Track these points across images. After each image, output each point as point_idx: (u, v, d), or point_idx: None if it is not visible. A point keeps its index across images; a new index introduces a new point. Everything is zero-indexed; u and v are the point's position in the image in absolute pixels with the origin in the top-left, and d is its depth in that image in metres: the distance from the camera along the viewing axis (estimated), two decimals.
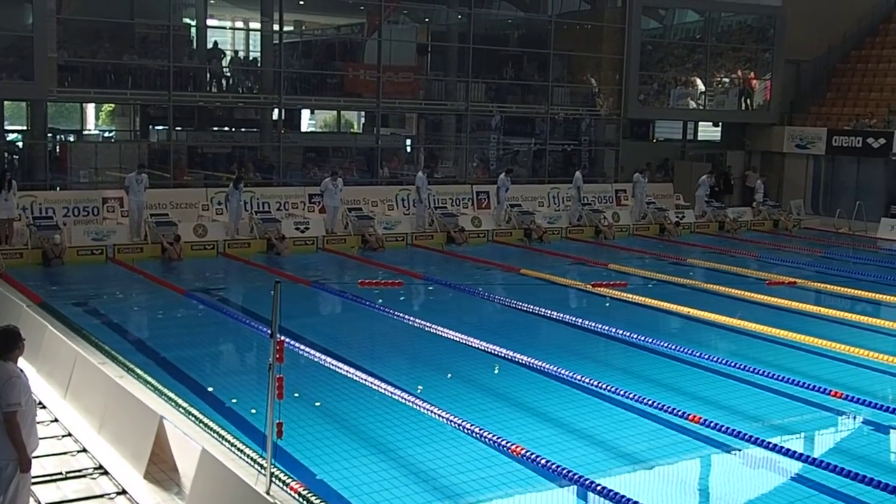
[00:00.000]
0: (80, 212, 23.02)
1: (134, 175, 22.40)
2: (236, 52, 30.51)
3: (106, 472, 9.37)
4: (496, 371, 13.45)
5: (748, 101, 34.69)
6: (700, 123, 37.04)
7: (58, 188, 24.48)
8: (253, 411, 11.11)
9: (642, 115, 34.11)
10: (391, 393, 11.51)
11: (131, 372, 11.79)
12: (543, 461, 9.49)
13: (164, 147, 26.75)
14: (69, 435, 10.30)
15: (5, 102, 27.08)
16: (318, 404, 11.72)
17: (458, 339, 14.32)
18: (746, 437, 10.46)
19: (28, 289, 17.14)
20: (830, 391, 12.22)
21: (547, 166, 31.37)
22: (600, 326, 15.63)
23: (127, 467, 9.42)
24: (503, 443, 9.93)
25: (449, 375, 13.36)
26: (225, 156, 28.70)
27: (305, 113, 35.63)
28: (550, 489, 9.59)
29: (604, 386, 12.12)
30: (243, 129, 31.97)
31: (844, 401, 12.06)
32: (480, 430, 10.24)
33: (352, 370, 12.47)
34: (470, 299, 18.55)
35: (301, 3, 30.87)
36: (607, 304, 18.34)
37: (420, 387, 12.28)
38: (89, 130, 33.98)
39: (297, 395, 11.26)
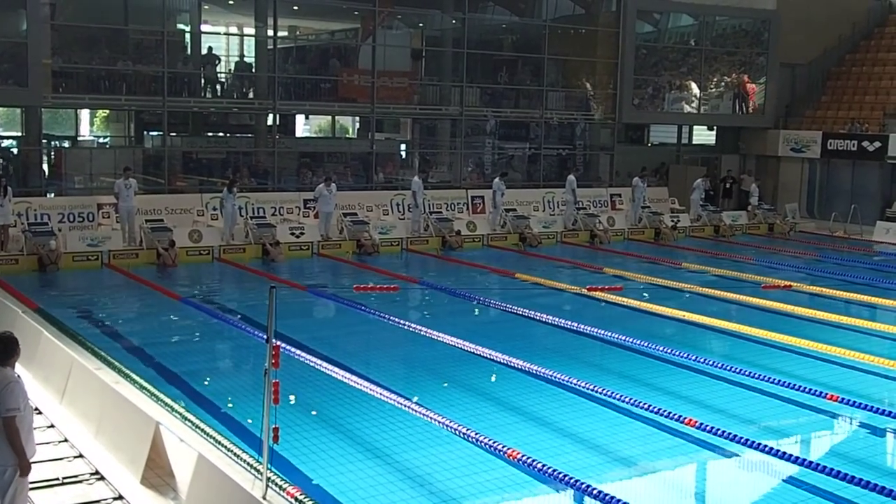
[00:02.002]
0: (76, 218, 23.00)
1: (122, 180, 22.34)
2: (241, 56, 30.50)
3: (102, 478, 9.36)
4: (490, 371, 13.47)
5: (743, 104, 34.75)
6: (695, 127, 37.09)
7: (53, 194, 24.49)
8: (249, 421, 11.12)
9: (637, 120, 34.17)
10: (387, 398, 11.50)
11: (127, 377, 11.77)
12: (539, 465, 9.50)
13: (159, 153, 26.76)
14: (66, 441, 10.28)
15: (0, 109, 27.09)
16: (314, 413, 11.72)
17: (453, 344, 14.31)
18: (742, 440, 10.46)
19: (24, 295, 17.10)
20: (826, 394, 12.24)
21: (542, 171, 31.42)
22: (596, 330, 15.64)
23: (124, 473, 9.41)
24: (499, 447, 9.93)
25: (442, 372, 13.40)
26: (220, 161, 28.70)
27: (300, 118, 35.65)
28: (546, 493, 9.59)
29: (599, 389, 12.13)
30: (238, 135, 31.96)
31: (840, 404, 12.09)
32: (476, 434, 10.24)
33: (348, 375, 12.47)
34: (465, 304, 18.56)
35: (295, 8, 30.87)
36: (602, 305, 18.36)
37: (416, 397, 12.27)
38: (84, 136, 34.00)
39: (292, 397, 11.27)
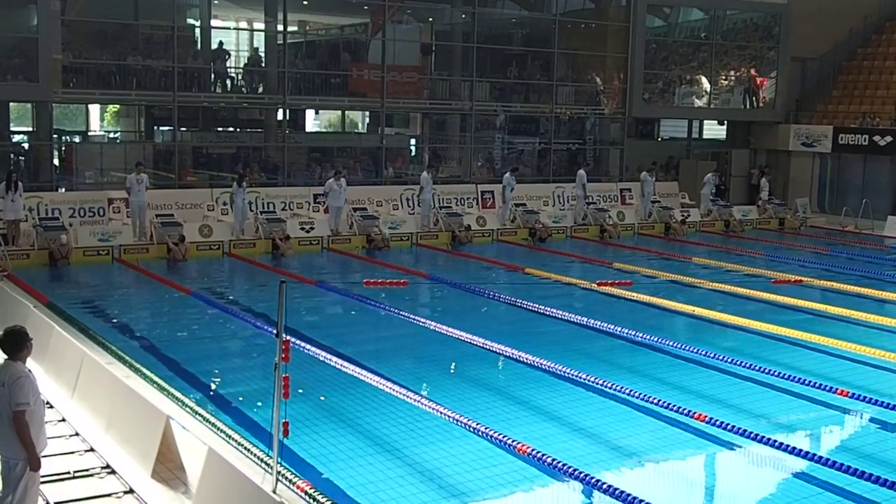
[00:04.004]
0: (86, 212, 23.06)
1: (134, 175, 22.40)
2: (256, 49, 30.52)
3: (113, 472, 9.39)
4: (500, 365, 13.46)
5: (754, 99, 34.61)
6: (705, 122, 36.98)
7: (63, 189, 24.57)
8: (259, 404, 11.15)
9: (647, 114, 34.09)
10: (397, 392, 11.51)
11: (138, 372, 11.82)
12: (549, 459, 9.50)
13: (169, 148, 26.81)
14: (77, 434, 10.33)
15: (11, 104, 27.19)
16: (322, 398, 11.74)
17: (463, 339, 14.31)
18: (752, 435, 10.45)
19: (35, 289, 17.16)
20: (836, 389, 12.20)
21: (552, 165, 31.38)
22: (606, 325, 15.62)
23: (134, 466, 9.44)
24: (509, 441, 9.93)
25: (452, 366, 13.41)
26: (230, 156, 28.76)
27: (310, 113, 35.68)
28: (556, 487, 9.60)
29: (609, 384, 12.13)
30: (248, 130, 32.03)
31: (850, 399, 12.06)
32: (486, 428, 10.25)
33: (357, 369, 12.49)
34: (475, 299, 18.56)
35: (305, 3, 30.89)
36: (612, 300, 18.33)
37: (425, 391, 12.28)
38: (94, 131, 34.09)
39: (300, 391, 11.28)
